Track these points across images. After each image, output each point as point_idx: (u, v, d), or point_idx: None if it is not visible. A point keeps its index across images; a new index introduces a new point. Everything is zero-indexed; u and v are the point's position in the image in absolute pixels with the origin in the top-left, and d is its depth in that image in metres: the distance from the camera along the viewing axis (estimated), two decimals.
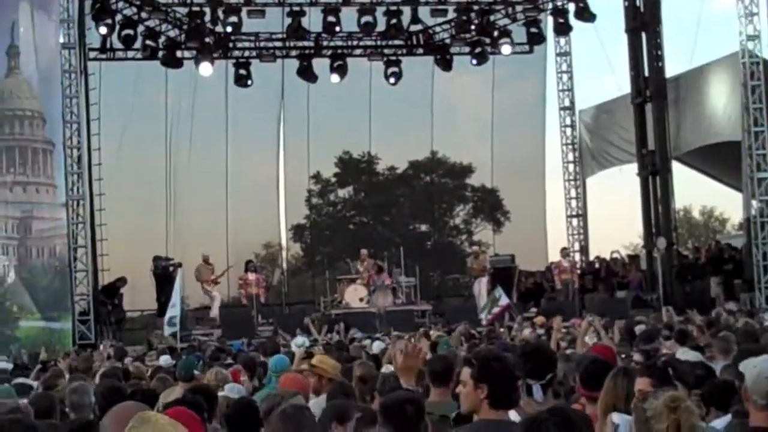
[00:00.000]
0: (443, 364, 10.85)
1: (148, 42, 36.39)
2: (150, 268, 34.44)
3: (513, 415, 7.02)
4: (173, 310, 26.68)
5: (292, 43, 38.66)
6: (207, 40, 37.28)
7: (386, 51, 39.67)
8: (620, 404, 7.72)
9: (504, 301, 31.77)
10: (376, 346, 19.17)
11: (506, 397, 7.06)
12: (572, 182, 43.40)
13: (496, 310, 31.07)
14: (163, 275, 33.96)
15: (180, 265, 33.95)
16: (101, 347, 25.32)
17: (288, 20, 37.07)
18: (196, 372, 13.71)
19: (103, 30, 35.44)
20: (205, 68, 37.33)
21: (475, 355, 7.78)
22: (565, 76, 43.48)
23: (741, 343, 11.83)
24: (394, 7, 37.34)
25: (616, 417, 7.02)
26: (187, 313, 32.11)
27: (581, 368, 9.25)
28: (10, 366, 20.71)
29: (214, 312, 33.94)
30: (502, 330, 25.27)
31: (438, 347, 17.83)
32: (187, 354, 20.51)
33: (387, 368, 12.64)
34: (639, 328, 20.02)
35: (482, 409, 7.14)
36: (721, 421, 7.94)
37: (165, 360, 18.37)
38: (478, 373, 7.29)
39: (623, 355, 12.77)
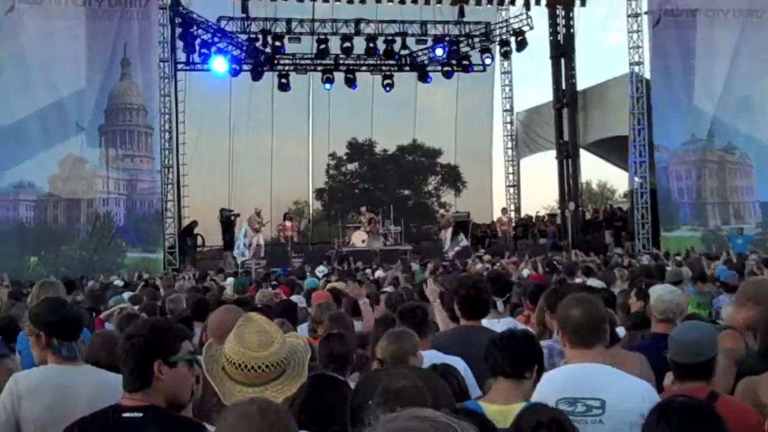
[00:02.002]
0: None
1: (218, 58, 36.44)
2: (217, 217, 34.50)
3: (484, 322, 7.13)
4: (240, 249, 26.73)
5: (318, 62, 38.55)
6: (259, 57, 37.25)
7: (383, 68, 39.60)
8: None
9: (464, 242, 31.98)
10: (378, 273, 19.31)
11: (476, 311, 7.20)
12: (510, 162, 43.27)
13: (457, 248, 31.30)
14: (227, 222, 34.03)
15: (238, 215, 34.02)
16: (184, 272, 25.43)
17: (316, 45, 37.04)
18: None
19: (187, 49, 35.52)
20: (257, 76, 37.47)
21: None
22: (507, 88, 43.31)
23: (638, 275, 11.89)
24: (390, 37, 37.16)
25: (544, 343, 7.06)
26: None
27: (528, 291, 9.36)
28: (121, 283, 20.76)
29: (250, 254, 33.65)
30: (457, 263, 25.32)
31: (415, 276, 18.03)
32: (243, 277, 20.66)
33: (389, 289, 12.77)
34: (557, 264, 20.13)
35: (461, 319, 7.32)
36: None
37: (230, 281, 18.45)
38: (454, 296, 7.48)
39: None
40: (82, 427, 4.29)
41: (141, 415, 4.17)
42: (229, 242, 32.67)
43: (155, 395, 4.22)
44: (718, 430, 3.69)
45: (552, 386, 4.79)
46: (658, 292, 7.07)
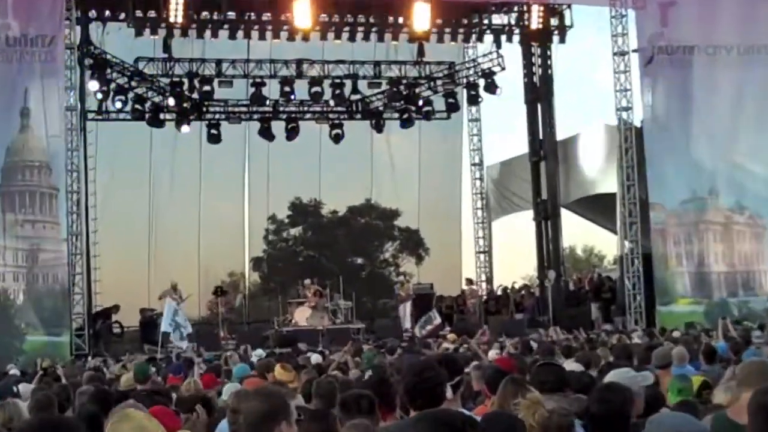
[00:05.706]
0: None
1: (136, 106, 36.57)
2: (138, 320, 34.30)
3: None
4: (176, 329, 26.67)
5: (254, 109, 38.76)
6: (185, 104, 37.39)
7: (331, 116, 39.86)
8: (507, 405, 7.79)
9: (437, 320, 31.86)
10: (314, 358, 19.19)
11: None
12: (480, 224, 43.39)
13: (429, 327, 31.16)
14: (149, 322, 33.67)
15: (161, 314, 33.42)
16: (95, 359, 25.22)
17: (251, 89, 37.23)
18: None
19: (100, 95, 35.60)
20: (184, 128, 37.63)
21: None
22: (475, 138, 43.59)
23: (616, 356, 11.93)
24: (338, 80, 37.54)
25: None
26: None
27: (487, 375, 9.39)
28: (18, 372, 20.60)
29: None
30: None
31: (363, 356, 18.01)
32: (167, 363, 20.51)
33: (337, 373, 12.74)
34: (533, 344, 20.06)
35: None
36: None
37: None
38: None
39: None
40: None
41: None
42: (150, 341, 32.27)
43: None
44: None
45: None
46: (614, 376, 7.37)
